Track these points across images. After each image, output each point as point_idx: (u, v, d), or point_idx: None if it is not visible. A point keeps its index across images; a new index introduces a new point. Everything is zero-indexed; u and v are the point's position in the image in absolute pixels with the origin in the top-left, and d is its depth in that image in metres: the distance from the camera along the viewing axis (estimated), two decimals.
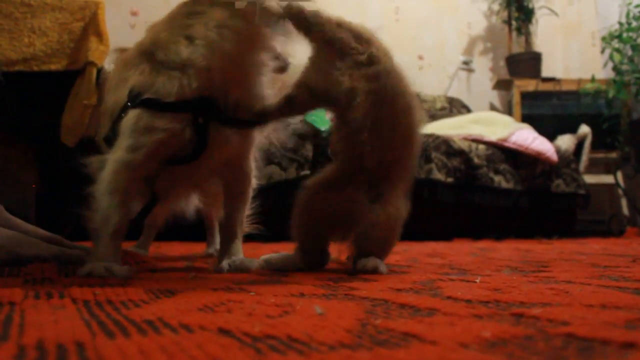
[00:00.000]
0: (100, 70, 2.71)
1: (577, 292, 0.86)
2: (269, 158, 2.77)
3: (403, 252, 1.92)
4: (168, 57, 1.11)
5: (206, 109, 1.09)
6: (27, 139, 2.79)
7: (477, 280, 1.02)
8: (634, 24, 4.46)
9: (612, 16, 4.91)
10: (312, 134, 2.88)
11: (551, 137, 3.93)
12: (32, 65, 2.59)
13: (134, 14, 4.04)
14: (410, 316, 0.63)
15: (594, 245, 2.52)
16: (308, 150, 2.86)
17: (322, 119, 2.96)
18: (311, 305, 0.68)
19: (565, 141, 4.02)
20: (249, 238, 2.58)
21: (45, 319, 0.57)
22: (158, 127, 1.07)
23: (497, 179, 3.38)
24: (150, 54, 1.16)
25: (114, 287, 0.85)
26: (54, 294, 0.77)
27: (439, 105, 4.61)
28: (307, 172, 2.77)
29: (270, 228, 2.61)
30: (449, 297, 0.79)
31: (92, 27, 2.73)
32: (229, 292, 0.84)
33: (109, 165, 1.10)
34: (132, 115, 1.09)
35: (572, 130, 4.22)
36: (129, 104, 1.10)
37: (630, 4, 4.52)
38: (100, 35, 2.73)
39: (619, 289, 0.92)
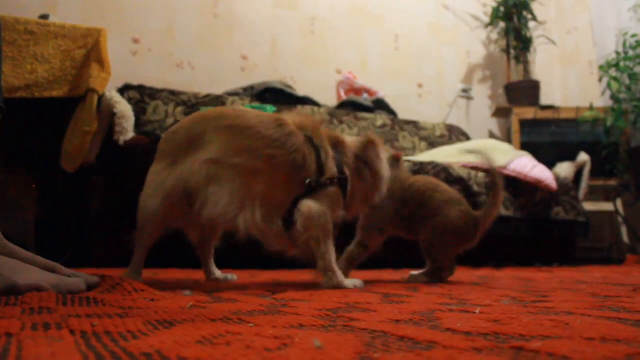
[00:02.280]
0: (101, 97, 2.73)
1: (577, 323, 0.85)
2: None
3: (403, 280, 1.91)
4: None
5: None
6: (27, 164, 2.80)
7: (477, 311, 1.02)
8: (631, 53, 4.50)
9: (609, 45, 4.96)
10: None
11: (550, 165, 3.94)
12: (34, 92, 2.61)
13: (135, 41, 4.08)
14: (409, 349, 0.63)
15: (594, 274, 2.50)
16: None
17: None
18: (310, 338, 0.67)
19: (565, 169, 4.03)
20: (249, 267, 2.57)
21: (42, 351, 0.57)
22: None
23: None
24: None
25: (112, 317, 0.85)
26: (51, 325, 0.76)
27: (438, 132, 4.63)
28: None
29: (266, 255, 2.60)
30: (448, 329, 0.78)
31: (94, 54, 2.76)
32: (227, 323, 0.83)
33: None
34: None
35: (571, 158, 4.24)
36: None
37: (626, 34, 4.58)
38: (102, 63, 2.76)
39: (620, 321, 0.91)
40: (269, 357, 0.55)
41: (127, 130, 2.73)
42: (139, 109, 3.51)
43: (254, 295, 1.32)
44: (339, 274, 1.57)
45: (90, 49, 2.76)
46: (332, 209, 1.57)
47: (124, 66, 3.96)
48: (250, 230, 1.50)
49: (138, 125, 3.38)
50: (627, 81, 4.55)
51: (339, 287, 1.54)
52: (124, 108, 2.74)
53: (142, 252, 1.69)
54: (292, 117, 1.61)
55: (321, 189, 1.54)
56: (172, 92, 3.70)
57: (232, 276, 1.92)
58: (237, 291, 1.44)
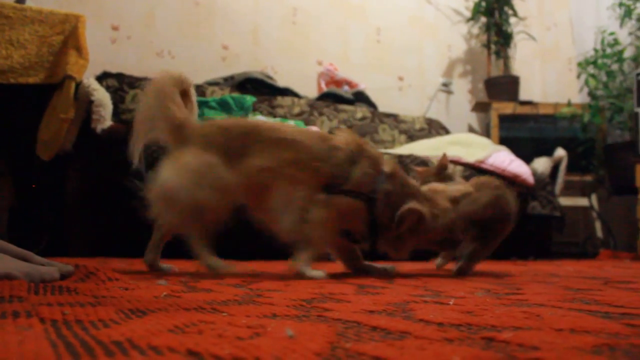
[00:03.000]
0: (78, 85, 2.70)
1: (549, 315, 0.87)
2: None
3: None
4: None
5: None
6: (2, 152, 2.76)
7: (451, 303, 1.03)
8: (609, 50, 4.56)
9: (588, 43, 5.01)
10: None
11: (528, 160, 3.98)
12: (8, 77, 2.57)
13: (115, 28, 4.03)
14: (381, 339, 0.63)
15: (568, 268, 2.54)
16: None
17: None
18: (283, 327, 0.67)
19: (542, 164, 4.07)
20: (227, 256, 2.56)
21: (10, 339, 0.56)
22: None
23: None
24: None
25: (84, 306, 0.84)
26: (21, 313, 0.75)
27: (418, 126, 4.64)
28: None
29: (245, 245, 2.60)
30: (421, 320, 0.79)
31: (72, 40, 2.72)
32: (201, 312, 0.83)
33: None
34: None
35: (549, 153, 4.28)
36: None
37: (604, 32, 4.63)
38: (80, 50, 2.72)
39: (590, 313, 0.92)
40: (240, 346, 0.55)
41: (104, 118, 2.70)
42: (118, 97, 3.47)
43: (230, 286, 1.31)
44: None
45: (67, 35, 2.72)
46: (341, 216, 1.67)
47: (102, 53, 3.91)
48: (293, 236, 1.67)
49: (116, 113, 3.34)
50: (605, 78, 4.61)
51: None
52: (101, 96, 2.70)
53: (199, 240, 1.67)
54: (340, 134, 1.75)
55: (337, 195, 1.65)
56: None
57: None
58: (213, 281, 1.44)
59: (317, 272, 1.64)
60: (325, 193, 1.66)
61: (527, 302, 1.08)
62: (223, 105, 2.95)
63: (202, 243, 1.66)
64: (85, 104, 2.69)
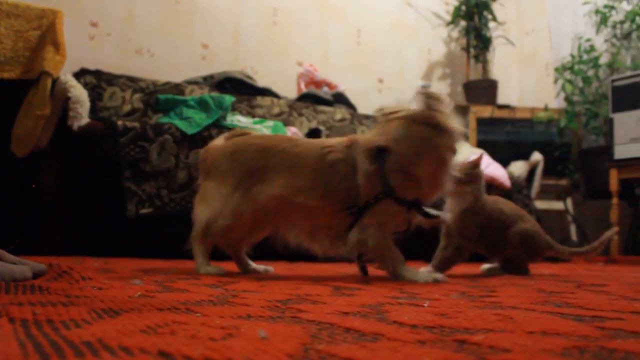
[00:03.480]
0: (55, 81, 2.66)
1: (521, 318, 0.88)
2: None
3: (355, 273, 1.92)
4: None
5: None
6: None
7: (426, 305, 1.03)
8: (585, 57, 4.62)
9: (565, 49, 5.08)
10: None
11: (505, 163, 4.02)
12: None
13: (93, 25, 3.99)
14: (354, 341, 0.64)
15: (542, 270, 2.57)
16: None
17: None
18: (256, 328, 0.67)
19: (519, 167, 4.12)
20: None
21: None
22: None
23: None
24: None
25: (56, 306, 0.83)
26: None
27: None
28: None
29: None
30: (395, 322, 0.79)
31: (49, 36, 2.69)
32: (174, 312, 0.83)
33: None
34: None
35: (525, 157, 4.33)
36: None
37: (581, 38, 4.69)
38: (57, 45, 2.68)
39: (561, 315, 0.94)
40: (212, 347, 0.55)
41: (81, 115, 2.67)
42: (95, 95, 3.44)
43: (205, 286, 1.31)
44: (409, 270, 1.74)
45: (45, 31, 2.68)
46: (380, 228, 1.71)
47: (80, 50, 3.87)
48: (327, 254, 1.84)
49: (94, 110, 3.31)
50: (581, 84, 4.68)
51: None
52: (79, 92, 2.68)
53: (205, 251, 1.87)
54: (335, 140, 1.81)
55: (365, 213, 1.71)
56: (130, 79, 3.63)
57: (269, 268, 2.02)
58: (189, 281, 1.43)
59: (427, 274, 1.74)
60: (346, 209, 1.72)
61: (500, 304, 1.09)
62: (202, 105, 2.93)
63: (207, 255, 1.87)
64: (61, 101, 2.66)
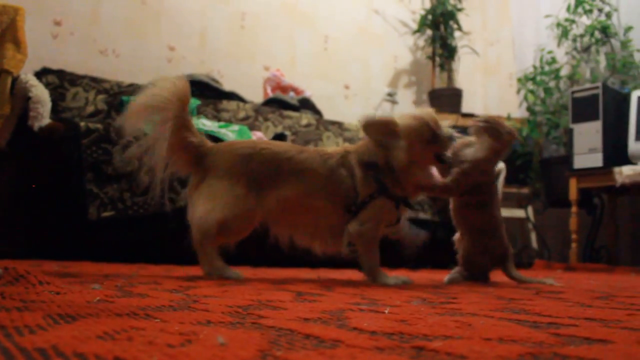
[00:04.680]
0: (16, 80, 2.60)
1: (479, 324, 0.89)
2: (187, 180, 2.73)
3: (318, 279, 1.92)
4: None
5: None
6: None
7: (386, 311, 1.04)
8: (547, 68, 4.72)
9: (528, 60, 5.19)
10: None
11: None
12: None
13: (57, 23, 3.92)
14: (313, 347, 0.64)
15: (503, 277, 2.60)
16: None
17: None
18: (215, 335, 0.67)
19: None
20: (168, 261, 2.52)
21: None
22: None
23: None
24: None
25: (10, 311, 0.81)
26: None
27: (362, 134, 4.69)
28: None
29: (186, 250, 2.57)
30: (354, 329, 0.80)
31: (9, 34, 2.62)
32: (133, 318, 0.82)
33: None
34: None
35: None
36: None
37: (543, 50, 4.80)
38: (17, 43, 2.63)
39: (519, 322, 0.95)
40: (170, 354, 0.55)
41: (42, 115, 2.61)
42: (58, 95, 3.37)
43: (166, 291, 1.29)
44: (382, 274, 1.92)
45: (4, 28, 2.62)
46: (375, 221, 1.89)
47: (43, 49, 3.80)
48: (325, 253, 1.97)
49: (55, 111, 3.25)
50: (542, 94, 4.78)
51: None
52: (40, 92, 2.62)
53: (218, 255, 1.89)
54: (332, 149, 1.98)
55: (362, 209, 1.88)
56: (94, 79, 3.58)
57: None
58: (149, 286, 1.41)
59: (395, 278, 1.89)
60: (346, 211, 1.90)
61: (460, 311, 1.11)
62: None
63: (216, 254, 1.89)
64: (22, 100, 2.60)
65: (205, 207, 1.81)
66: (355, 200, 1.89)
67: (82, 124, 2.62)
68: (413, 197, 2.00)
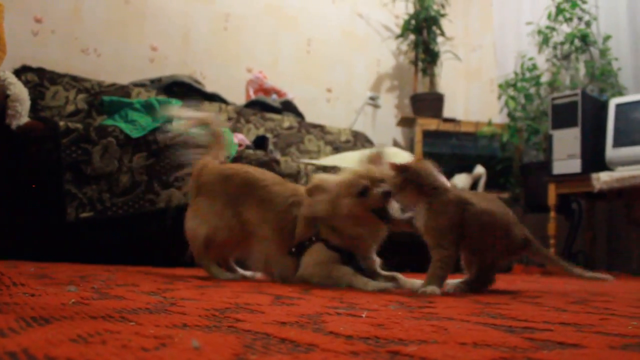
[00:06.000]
0: None
1: (455, 329, 0.89)
2: (168, 181, 2.71)
3: (299, 283, 1.92)
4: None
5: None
6: None
7: (364, 315, 1.04)
8: (527, 75, 4.77)
9: (509, 66, 5.23)
10: None
11: (449, 175, 4.09)
12: None
13: (38, 20, 3.88)
14: (288, 352, 0.64)
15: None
16: None
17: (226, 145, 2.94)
18: (190, 338, 0.67)
19: (462, 180, 4.21)
20: (147, 263, 2.51)
21: None
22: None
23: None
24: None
25: None
26: None
27: (343, 138, 4.70)
28: None
29: (166, 252, 2.55)
30: (331, 333, 0.80)
31: None
32: (108, 321, 0.81)
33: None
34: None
35: (469, 169, 4.43)
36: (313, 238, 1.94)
37: (524, 56, 4.85)
38: None
39: (494, 327, 0.96)
40: (143, 357, 0.54)
41: (20, 114, 2.58)
42: (37, 93, 3.34)
43: (144, 293, 1.28)
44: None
45: None
46: (317, 267, 1.91)
47: (22, 46, 3.75)
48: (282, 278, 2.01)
49: (35, 110, 3.22)
50: (523, 101, 4.82)
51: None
52: (18, 90, 2.59)
53: (214, 262, 2.10)
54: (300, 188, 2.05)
55: (304, 253, 1.94)
56: (75, 78, 3.55)
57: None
58: (127, 288, 1.40)
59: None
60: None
61: (437, 315, 1.11)
62: (148, 108, 2.88)
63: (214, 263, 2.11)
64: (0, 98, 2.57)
65: (191, 223, 2.07)
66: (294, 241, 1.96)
67: (62, 123, 2.59)
68: (361, 251, 1.97)
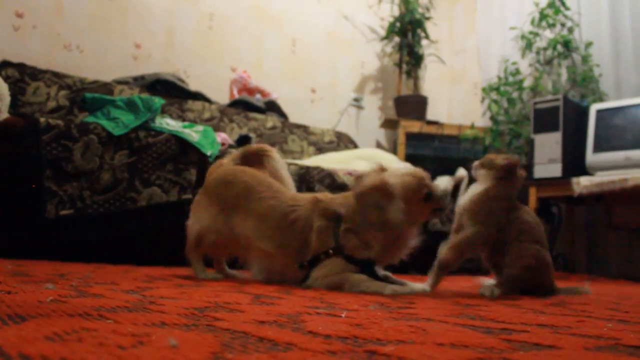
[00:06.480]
0: None
1: (434, 330, 0.90)
2: (150, 179, 2.70)
3: (280, 282, 1.92)
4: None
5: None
6: None
7: (343, 315, 1.04)
8: (510, 79, 4.81)
9: (493, 70, 5.27)
10: (197, 158, 2.84)
11: (431, 178, 4.12)
12: None
13: (19, 15, 3.83)
14: (266, 351, 0.64)
15: (461, 283, 2.64)
16: (192, 174, 2.82)
17: (209, 144, 2.93)
18: (168, 337, 0.66)
19: (444, 182, 4.22)
20: (127, 261, 2.49)
21: None
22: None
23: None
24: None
25: None
26: None
27: (327, 138, 4.71)
28: (189, 195, 2.72)
29: (147, 250, 2.54)
30: (309, 332, 0.80)
31: None
32: (85, 318, 0.80)
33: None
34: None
35: (451, 172, 4.45)
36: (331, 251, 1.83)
37: (507, 61, 4.89)
38: None
39: (473, 328, 0.97)
40: (119, 355, 0.54)
41: (0, 110, 2.55)
42: (18, 89, 3.30)
43: (123, 292, 1.28)
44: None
45: None
46: (327, 278, 1.81)
47: (3, 41, 3.71)
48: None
49: (15, 105, 3.18)
50: (506, 105, 4.86)
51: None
52: None
53: (200, 259, 2.10)
54: (303, 197, 1.99)
55: (317, 266, 1.84)
56: (57, 74, 3.51)
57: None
58: (106, 286, 1.39)
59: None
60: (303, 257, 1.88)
61: (416, 316, 1.12)
62: (130, 106, 2.86)
63: (201, 262, 2.10)
64: None
65: (191, 218, 2.09)
66: (307, 256, 1.85)
67: (42, 119, 2.57)
68: (383, 263, 1.93)
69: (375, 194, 1.81)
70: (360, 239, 1.82)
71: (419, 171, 1.96)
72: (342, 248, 1.81)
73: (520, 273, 1.88)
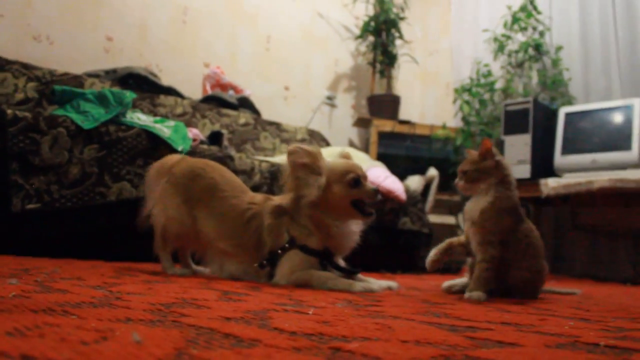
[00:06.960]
0: None
1: (399, 327, 0.91)
2: (119, 174, 2.67)
3: (248, 279, 1.92)
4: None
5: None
6: None
7: (310, 312, 1.05)
8: (482, 80, 4.87)
9: (465, 71, 5.33)
10: (168, 154, 2.82)
11: (402, 177, 4.15)
12: None
13: None
14: (230, 347, 0.64)
15: (430, 282, 2.67)
16: None
17: (181, 139, 2.91)
18: (132, 332, 0.66)
19: (415, 182, 4.27)
20: (95, 257, 2.46)
21: None
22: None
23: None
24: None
25: None
26: None
27: (299, 136, 4.71)
28: None
29: (116, 246, 2.51)
30: (275, 329, 0.80)
31: None
32: (49, 314, 0.79)
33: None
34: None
35: (422, 172, 4.49)
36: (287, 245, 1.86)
37: (479, 62, 4.94)
38: None
39: (438, 326, 0.98)
40: (81, 351, 0.54)
41: None
42: None
43: (89, 287, 1.26)
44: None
45: None
46: (292, 271, 1.83)
47: None
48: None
49: None
50: (477, 106, 4.91)
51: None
52: None
53: (168, 255, 2.10)
54: (259, 197, 2.03)
55: (278, 264, 1.87)
56: (25, 66, 3.45)
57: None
58: (72, 282, 1.37)
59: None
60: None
61: (383, 313, 1.13)
62: (101, 99, 2.82)
63: (169, 255, 2.10)
64: None
65: (157, 208, 2.07)
66: (264, 254, 1.89)
67: (9, 111, 2.52)
68: (339, 251, 1.93)
69: (304, 168, 1.84)
70: (300, 224, 1.86)
71: (356, 163, 1.96)
72: (295, 240, 1.85)
73: (517, 284, 1.83)
